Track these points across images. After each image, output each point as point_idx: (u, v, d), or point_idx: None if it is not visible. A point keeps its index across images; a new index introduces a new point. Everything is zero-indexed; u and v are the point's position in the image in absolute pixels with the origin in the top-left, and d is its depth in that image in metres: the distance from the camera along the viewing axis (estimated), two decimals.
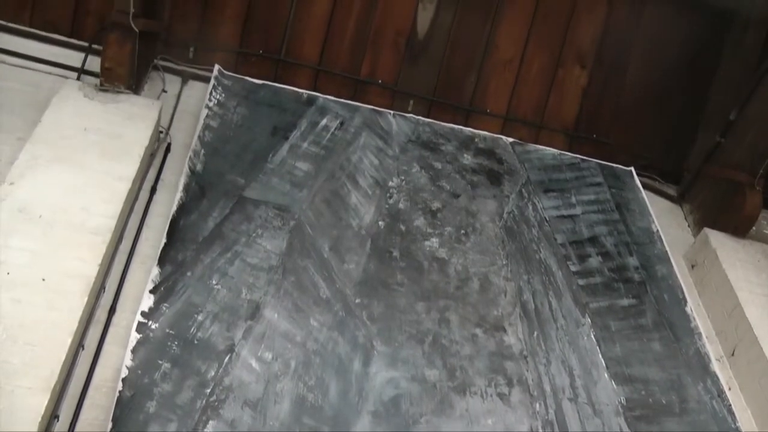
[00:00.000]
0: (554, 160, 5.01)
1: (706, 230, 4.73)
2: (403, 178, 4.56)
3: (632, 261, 4.52)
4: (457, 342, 3.80)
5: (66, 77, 4.27)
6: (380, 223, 4.26)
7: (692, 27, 5.29)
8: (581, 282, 4.32)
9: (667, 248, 4.63)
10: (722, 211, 4.84)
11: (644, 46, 5.27)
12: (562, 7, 5.19)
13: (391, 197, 4.43)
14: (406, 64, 5.12)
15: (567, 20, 5.22)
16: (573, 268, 4.39)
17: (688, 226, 5.05)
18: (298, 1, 4.99)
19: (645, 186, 4.99)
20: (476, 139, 5.01)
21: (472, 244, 4.34)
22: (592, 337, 4.06)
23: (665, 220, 4.87)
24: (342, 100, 4.87)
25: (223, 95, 4.57)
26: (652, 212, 4.81)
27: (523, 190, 4.76)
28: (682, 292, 4.43)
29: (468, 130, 5.07)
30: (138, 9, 4.12)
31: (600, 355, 3.98)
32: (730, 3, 5.20)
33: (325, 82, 5.04)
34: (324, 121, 4.67)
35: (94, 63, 4.32)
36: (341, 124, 4.69)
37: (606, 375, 3.90)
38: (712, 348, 4.23)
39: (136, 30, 4.14)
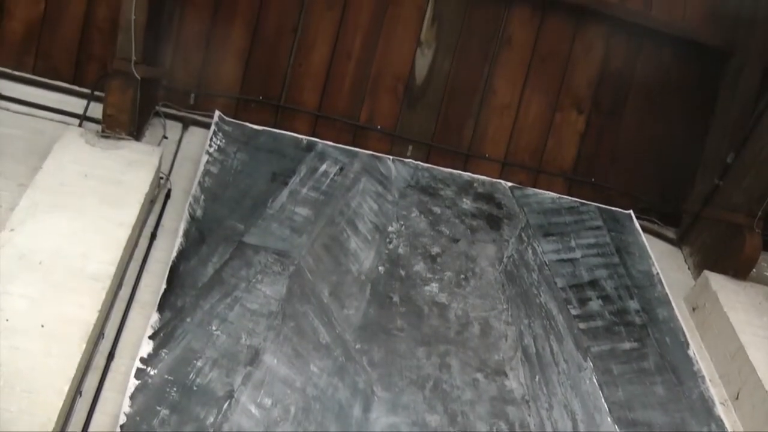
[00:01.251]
0: (553, 204, 5.02)
1: (707, 273, 4.72)
2: (402, 223, 4.56)
3: (633, 304, 4.50)
4: (458, 387, 3.77)
5: (68, 124, 4.31)
6: (380, 268, 4.25)
7: (688, 70, 5.35)
8: (582, 326, 4.30)
9: (668, 291, 4.61)
10: (722, 253, 4.83)
11: (641, 89, 5.32)
12: (559, 51, 5.25)
13: (390, 242, 4.43)
14: (405, 110, 5.16)
15: (564, 65, 5.28)
16: (574, 312, 4.37)
17: (689, 268, 5.04)
18: (297, 48, 5.07)
19: (644, 229, 4.99)
20: (475, 184, 5.03)
21: (472, 289, 4.33)
22: (594, 381, 4.03)
23: (665, 262, 4.86)
24: (341, 145, 4.90)
25: (224, 141, 4.60)
26: (652, 255, 4.80)
27: (523, 234, 4.77)
28: (684, 335, 4.41)
29: (467, 174, 5.08)
30: (140, 56, 4.17)
31: (603, 399, 3.95)
32: (724, 46, 5.26)
33: (324, 127, 5.08)
34: (323, 167, 4.69)
35: (96, 109, 4.36)
36: (341, 169, 4.71)
37: (609, 419, 3.86)
38: (715, 391, 4.19)
39: (138, 77, 4.18)
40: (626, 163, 5.26)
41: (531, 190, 5.09)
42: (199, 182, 4.27)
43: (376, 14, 5.14)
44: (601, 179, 5.29)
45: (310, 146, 4.80)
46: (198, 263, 3.87)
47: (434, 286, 4.27)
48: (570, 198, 5.08)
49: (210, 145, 4.52)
